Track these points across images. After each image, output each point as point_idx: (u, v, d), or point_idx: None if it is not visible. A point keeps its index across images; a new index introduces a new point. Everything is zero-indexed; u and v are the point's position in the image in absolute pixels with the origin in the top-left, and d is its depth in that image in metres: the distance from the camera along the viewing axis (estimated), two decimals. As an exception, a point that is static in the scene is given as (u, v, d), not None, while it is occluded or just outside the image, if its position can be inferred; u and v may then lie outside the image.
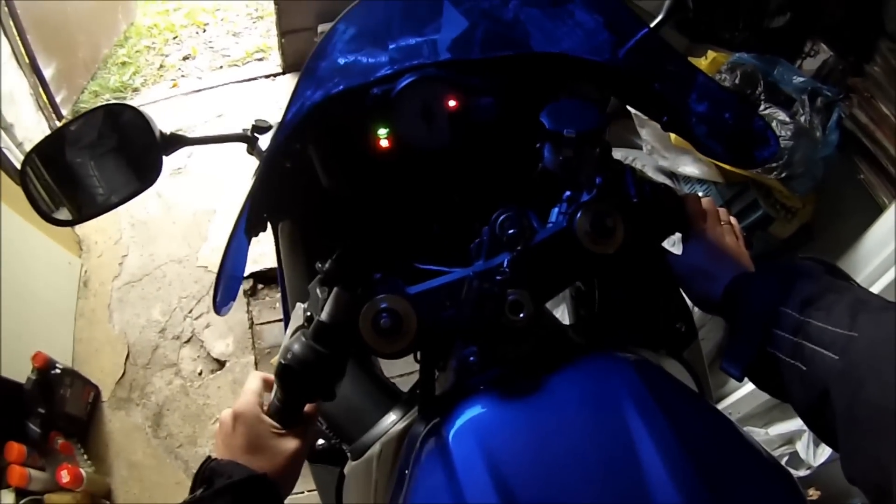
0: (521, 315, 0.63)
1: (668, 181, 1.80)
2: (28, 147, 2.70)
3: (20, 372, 2.03)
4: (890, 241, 1.42)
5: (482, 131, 0.82)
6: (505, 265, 0.65)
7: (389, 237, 0.84)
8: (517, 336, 0.64)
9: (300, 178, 0.85)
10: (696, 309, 0.83)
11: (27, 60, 3.02)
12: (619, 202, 0.69)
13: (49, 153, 0.91)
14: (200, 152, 2.91)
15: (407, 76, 0.78)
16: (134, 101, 3.44)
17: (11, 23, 2.90)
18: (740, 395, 1.73)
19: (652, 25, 0.85)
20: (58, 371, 2.12)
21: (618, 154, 1.88)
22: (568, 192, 0.70)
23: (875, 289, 1.47)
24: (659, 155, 1.80)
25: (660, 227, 0.76)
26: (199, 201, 2.91)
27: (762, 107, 1.59)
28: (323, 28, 3.11)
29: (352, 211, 0.85)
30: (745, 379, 0.66)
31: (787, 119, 1.54)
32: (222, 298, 0.87)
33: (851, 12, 1.59)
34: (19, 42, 2.96)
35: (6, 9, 2.85)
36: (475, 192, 0.83)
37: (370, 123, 0.80)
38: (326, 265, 0.65)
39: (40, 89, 3.13)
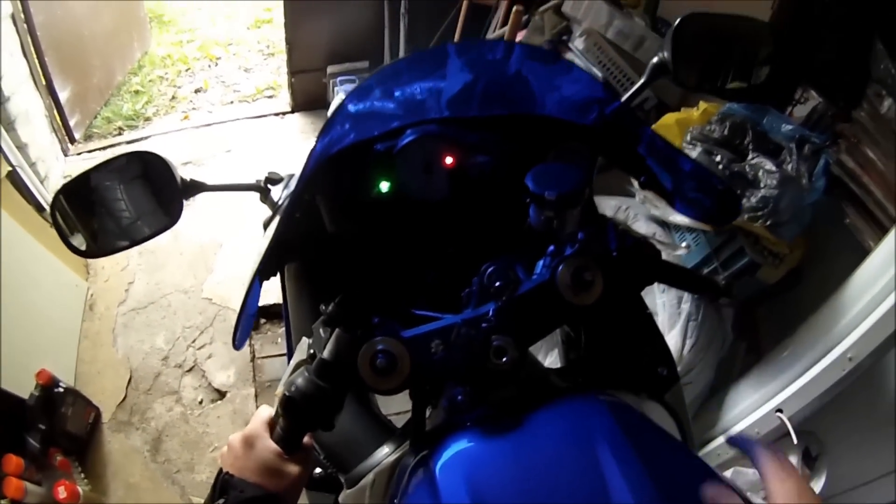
0: (504, 359, 0.68)
1: (659, 229, 1.86)
2: (40, 167, 2.81)
3: (24, 387, 2.06)
4: (874, 284, 1.42)
5: (477, 186, 0.88)
6: (491, 313, 0.70)
7: (388, 284, 0.90)
8: (502, 378, 0.69)
9: (307, 225, 0.92)
10: (676, 354, 0.87)
11: (44, 82, 3.09)
12: (599, 256, 0.73)
13: (76, 191, 0.99)
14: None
15: (409, 133, 0.84)
16: (145, 131, 3.52)
17: (30, 40, 2.96)
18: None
19: (633, 89, 0.91)
20: (61, 389, 2.15)
21: (612, 202, 1.95)
22: (552, 247, 0.75)
23: (860, 331, 1.48)
24: (651, 204, 1.86)
25: (638, 279, 0.80)
26: (206, 234, 2.97)
27: (750, 156, 1.65)
28: (332, 69, 3.20)
29: (354, 257, 0.91)
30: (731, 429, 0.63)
31: (774, 168, 1.59)
32: (241, 335, 0.97)
33: (842, 55, 1.63)
34: (37, 63, 3.03)
35: (25, 26, 2.92)
36: (469, 243, 0.88)
37: (374, 176, 0.87)
38: (330, 308, 0.71)
39: (55, 111, 3.21)
